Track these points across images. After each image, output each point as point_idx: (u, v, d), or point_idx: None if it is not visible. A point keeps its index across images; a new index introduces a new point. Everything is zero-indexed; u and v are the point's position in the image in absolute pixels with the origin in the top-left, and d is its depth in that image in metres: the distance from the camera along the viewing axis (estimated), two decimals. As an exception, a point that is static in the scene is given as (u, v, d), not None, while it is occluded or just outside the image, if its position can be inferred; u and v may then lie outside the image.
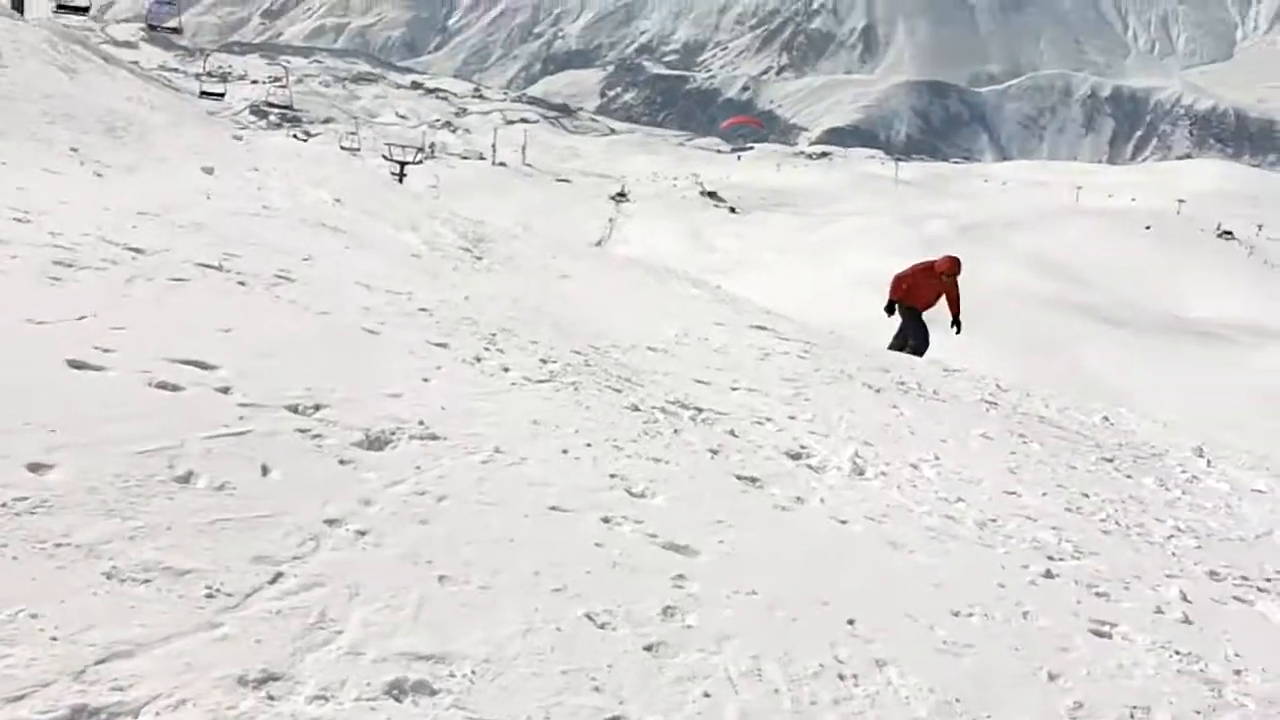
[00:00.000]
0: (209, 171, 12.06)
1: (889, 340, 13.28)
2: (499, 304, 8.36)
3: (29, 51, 16.57)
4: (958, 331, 13.31)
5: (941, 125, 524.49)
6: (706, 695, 2.84)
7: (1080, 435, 8.47)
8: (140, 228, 7.40)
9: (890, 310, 13.36)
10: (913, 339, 13.03)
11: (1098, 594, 4.40)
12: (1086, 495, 6.21)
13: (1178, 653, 3.85)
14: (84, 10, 29.82)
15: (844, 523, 4.67)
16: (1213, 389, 30.96)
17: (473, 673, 2.65)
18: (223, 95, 49.82)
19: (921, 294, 13.17)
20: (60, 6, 28.08)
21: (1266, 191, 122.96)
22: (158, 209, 8.46)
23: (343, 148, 58.50)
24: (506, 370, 5.94)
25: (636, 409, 5.82)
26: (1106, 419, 9.84)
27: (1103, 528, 5.54)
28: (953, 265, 13.08)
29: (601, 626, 3.08)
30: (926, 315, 13.32)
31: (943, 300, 13.23)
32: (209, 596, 2.65)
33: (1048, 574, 4.51)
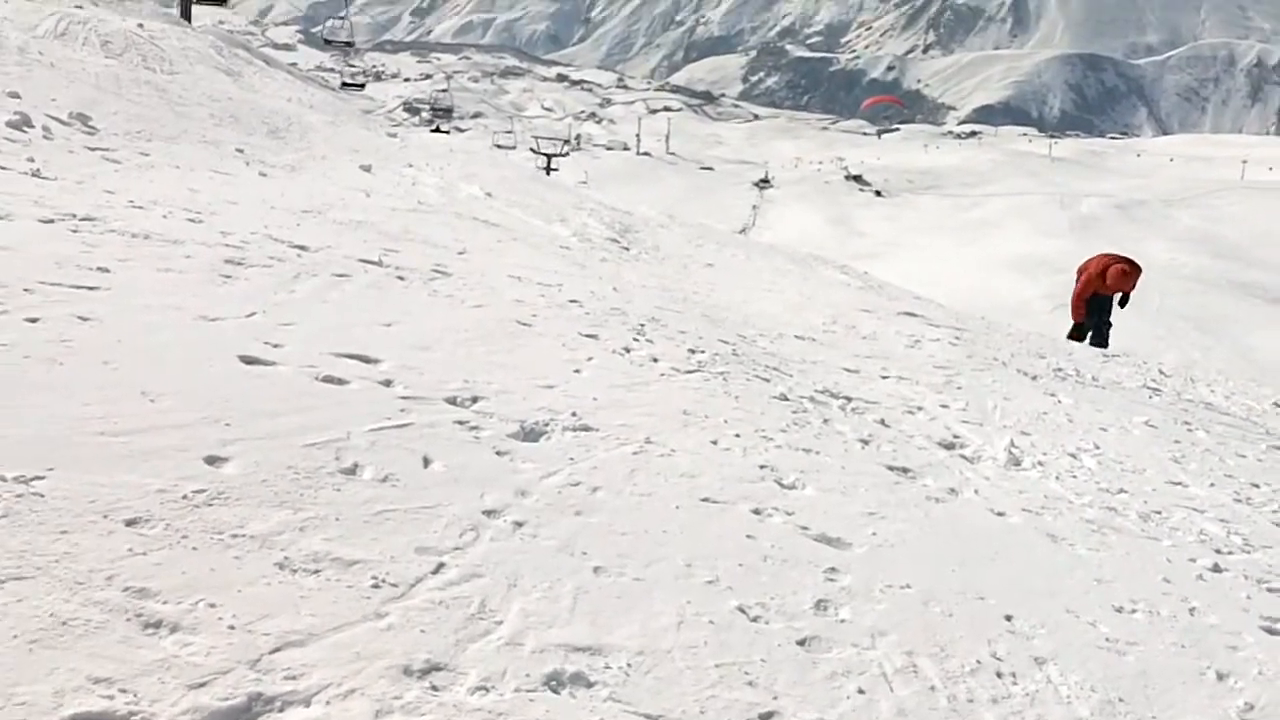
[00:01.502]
0: (367, 169, 12.44)
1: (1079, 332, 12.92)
2: (647, 294, 8.42)
3: (196, 58, 17.34)
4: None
5: (1097, 100, 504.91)
6: (861, 691, 2.82)
7: (1249, 422, 8.12)
8: (304, 225, 7.69)
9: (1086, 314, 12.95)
10: (1100, 327, 12.69)
11: (1269, 589, 4.22)
12: (1257, 485, 5.95)
13: (1360, 654, 3.66)
14: (222, 1, 31.86)
15: (1000, 514, 4.58)
16: (1396, 373, 29.21)
17: (628, 665, 2.68)
18: (363, 87, 52.23)
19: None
20: None
21: None
22: (320, 207, 8.78)
23: (497, 146, 60.01)
24: (655, 360, 5.98)
25: (785, 398, 5.80)
26: (1277, 405, 9.42)
27: (1274, 519, 5.30)
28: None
29: (754, 620, 3.08)
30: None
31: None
32: (375, 587, 2.74)
33: (1216, 568, 4.34)
